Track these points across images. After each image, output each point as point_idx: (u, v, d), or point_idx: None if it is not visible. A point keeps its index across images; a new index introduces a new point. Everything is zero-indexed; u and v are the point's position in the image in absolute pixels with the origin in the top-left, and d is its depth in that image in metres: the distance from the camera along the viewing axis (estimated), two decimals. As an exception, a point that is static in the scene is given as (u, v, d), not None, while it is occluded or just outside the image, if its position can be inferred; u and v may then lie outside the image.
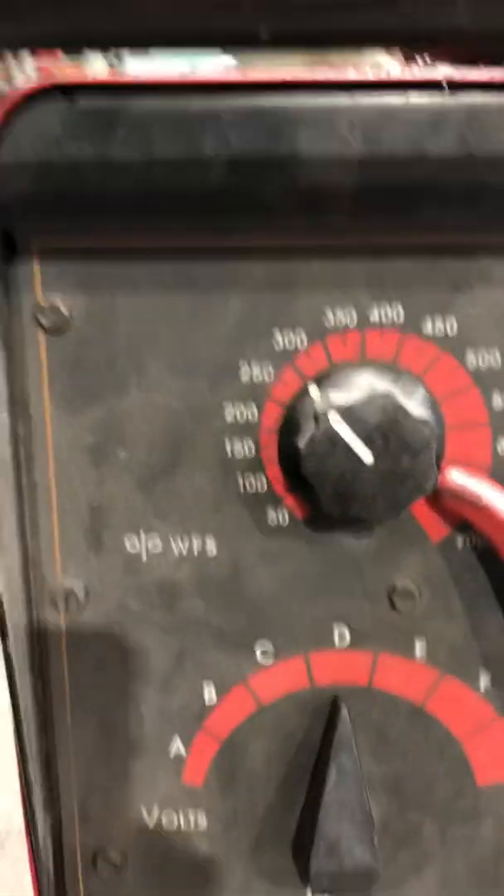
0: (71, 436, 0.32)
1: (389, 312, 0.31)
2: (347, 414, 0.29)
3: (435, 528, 0.33)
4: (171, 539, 0.33)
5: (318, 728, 0.35)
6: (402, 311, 0.31)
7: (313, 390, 0.30)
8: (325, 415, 0.29)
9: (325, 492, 0.29)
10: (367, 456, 0.29)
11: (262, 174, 0.29)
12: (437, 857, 0.36)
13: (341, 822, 0.33)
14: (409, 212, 0.29)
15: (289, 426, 0.31)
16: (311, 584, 0.33)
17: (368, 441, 0.29)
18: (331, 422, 0.29)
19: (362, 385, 0.29)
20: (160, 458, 0.32)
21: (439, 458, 0.31)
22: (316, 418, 0.29)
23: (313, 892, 0.34)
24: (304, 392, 0.31)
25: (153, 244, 0.30)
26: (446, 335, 0.31)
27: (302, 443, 0.30)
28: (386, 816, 0.35)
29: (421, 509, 0.32)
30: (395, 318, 0.31)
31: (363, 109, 0.28)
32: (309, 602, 0.34)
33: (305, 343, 0.31)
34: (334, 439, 0.29)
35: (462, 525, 0.32)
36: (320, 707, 0.34)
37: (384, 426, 0.29)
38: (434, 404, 0.31)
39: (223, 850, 0.36)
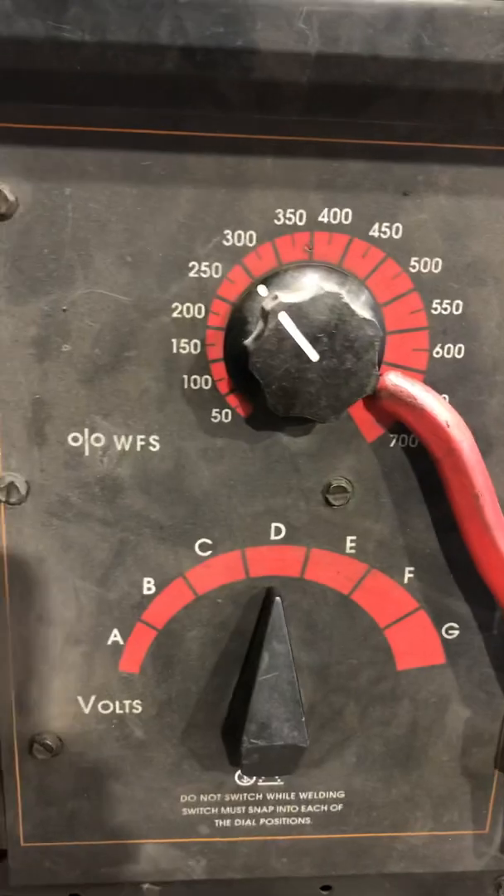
0: (13, 327, 0.32)
1: (338, 215, 0.31)
2: (295, 312, 0.29)
3: (370, 428, 0.34)
4: (115, 434, 0.33)
5: (252, 617, 0.36)
6: (350, 214, 0.31)
7: (262, 289, 0.31)
8: (274, 313, 0.29)
9: (271, 389, 0.30)
10: (312, 354, 0.29)
11: (217, 64, 0.28)
12: (357, 737, 0.39)
13: (272, 703, 0.35)
14: (361, 112, 0.30)
15: (236, 324, 0.31)
16: (251, 481, 0.34)
17: (314, 340, 0.30)
18: (279, 320, 0.29)
19: (310, 285, 0.30)
20: (105, 354, 0.32)
21: (380, 360, 0.32)
22: (264, 316, 0.30)
23: (244, 771, 0.37)
24: (253, 291, 0.31)
25: (103, 130, 0.30)
26: (391, 240, 0.32)
27: (250, 340, 0.30)
28: (312, 700, 0.38)
29: (358, 410, 0.34)
30: (344, 221, 0.31)
31: (322, 3, 0.28)
32: (247, 499, 0.35)
33: (255, 242, 0.31)
34: (282, 337, 0.29)
35: (395, 426, 0.34)
36: (255, 597, 0.36)
37: (330, 326, 0.29)
38: (376, 307, 0.32)
39: (156, 735, 0.38)
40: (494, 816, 0.41)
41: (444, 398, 0.34)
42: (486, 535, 0.33)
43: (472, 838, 0.42)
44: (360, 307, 0.30)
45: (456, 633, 0.37)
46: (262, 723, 0.35)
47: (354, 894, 0.43)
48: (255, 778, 0.39)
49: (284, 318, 0.29)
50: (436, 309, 0.33)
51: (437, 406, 0.32)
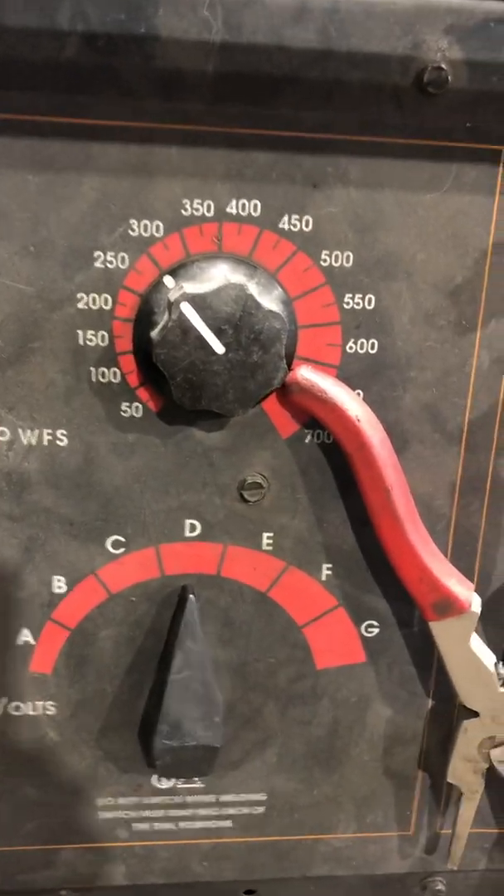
0: None
1: (247, 206, 0.31)
2: (200, 303, 0.29)
3: (285, 423, 0.34)
4: (20, 428, 0.32)
5: (167, 615, 0.36)
6: (259, 206, 0.31)
7: (168, 280, 0.30)
8: (178, 304, 0.29)
9: (177, 381, 0.30)
10: (217, 346, 0.29)
11: (119, 51, 0.28)
12: (278, 737, 0.38)
13: (185, 703, 0.34)
14: (268, 102, 0.29)
15: (144, 316, 0.31)
16: (164, 477, 0.34)
17: (219, 332, 0.29)
18: (183, 311, 0.29)
19: (217, 276, 0.29)
20: (8, 346, 0.31)
21: (290, 354, 0.31)
22: (169, 307, 0.29)
23: (158, 772, 0.36)
24: (160, 282, 0.31)
25: (5, 116, 0.29)
26: (302, 233, 0.31)
27: (155, 332, 0.30)
28: (231, 698, 0.37)
29: (272, 405, 0.33)
30: (253, 213, 0.31)
31: (226, -10, 0.28)
32: (161, 495, 0.34)
33: (162, 233, 0.31)
34: (186, 328, 0.29)
35: (310, 422, 0.34)
36: (169, 596, 0.35)
37: (236, 318, 0.29)
38: (287, 301, 0.31)
39: (71, 736, 0.37)
40: (419, 817, 0.41)
41: (359, 394, 0.33)
42: (397, 530, 0.33)
43: (397, 840, 0.41)
44: (267, 299, 0.29)
45: (376, 630, 0.37)
46: (174, 723, 0.34)
47: (279, 897, 0.43)
48: (173, 780, 0.38)
49: (187, 309, 0.29)
50: (348, 303, 0.32)
51: (348, 400, 0.31)
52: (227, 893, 0.42)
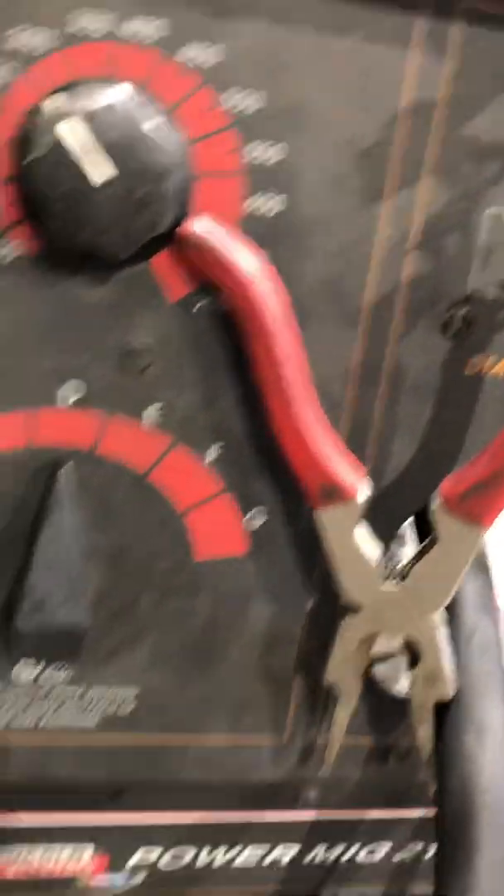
0: None
1: (147, 27, 0.28)
2: (76, 124, 0.26)
3: (174, 285, 0.31)
4: None
5: (37, 491, 0.33)
6: (160, 27, 0.28)
7: (48, 100, 0.27)
8: (56, 125, 0.26)
9: (52, 210, 0.26)
10: (96, 174, 0.26)
11: None
12: (152, 630, 0.36)
13: (50, 580, 0.32)
14: None
15: (21, 139, 0.27)
16: (38, 332, 0.31)
17: (100, 160, 0.26)
18: (61, 133, 0.26)
19: (101, 99, 0.26)
20: None
21: (184, 202, 0.29)
22: (44, 126, 0.26)
23: (21, 654, 0.33)
24: (39, 107, 0.27)
25: None
26: (206, 65, 0.28)
27: (29, 157, 0.26)
28: (103, 587, 0.35)
29: (160, 263, 0.30)
30: (153, 34, 0.28)
31: None
32: (34, 353, 0.31)
33: (46, 48, 0.27)
34: (61, 152, 0.26)
35: (203, 287, 0.31)
36: (39, 469, 0.33)
37: (121, 144, 0.26)
38: (183, 139, 0.28)
39: None
40: (295, 724, 0.40)
41: (259, 259, 0.31)
42: (286, 408, 0.31)
43: (271, 747, 0.40)
44: (158, 130, 0.26)
45: (261, 521, 0.35)
46: (38, 599, 0.32)
47: (147, 801, 0.41)
48: (37, 671, 0.36)
49: (65, 130, 0.26)
50: (253, 153, 0.30)
51: (244, 259, 0.29)
52: (93, 793, 0.40)
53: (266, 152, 0.30)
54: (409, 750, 0.41)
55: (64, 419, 0.32)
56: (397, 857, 0.49)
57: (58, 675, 0.36)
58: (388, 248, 0.32)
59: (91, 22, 0.27)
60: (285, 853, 0.47)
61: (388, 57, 0.29)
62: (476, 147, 0.31)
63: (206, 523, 0.35)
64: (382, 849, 0.48)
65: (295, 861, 0.47)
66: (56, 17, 0.27)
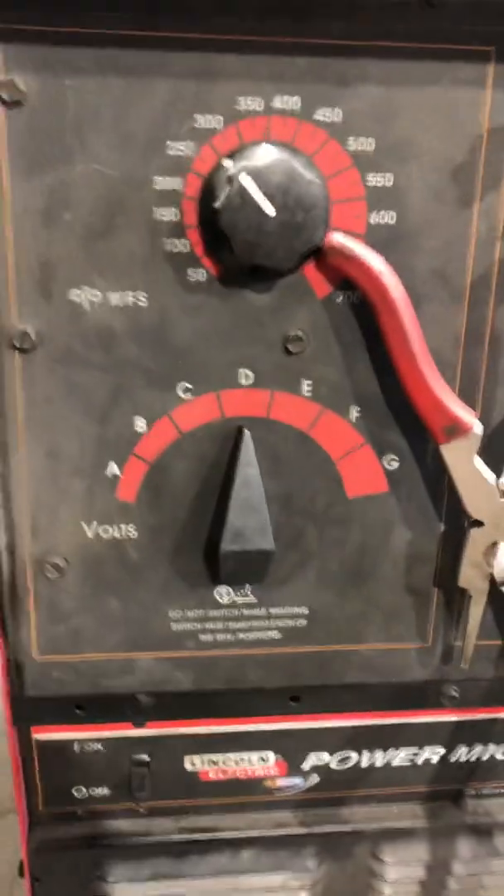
0: (24, 199, 0.38)
1: (289, 101, 0.38)
2: (255, 175, 0.36)
3: (321, 286, 0.41)
4: (108, 292, 0.40)
5: (227, 452, 0.43)
6: (299, 101, 0.38)
7: (227, 162, 0.38)
8: (237, 176, 0.36)
9: (237, 241, 0.37)
10: (269, 209, 0.37)
11: (187, -24, 0.35)
12: (316, 557, 0.46)
13: (245, 516, 0.42)
14: (304, 16, 0.37)
15: (207, 193, 0.38)
16: (222, 333, 0.42)
17: (271, 198, 0.37)
18: (241, 181, 0.36)
19: (266, 155, 0.37)
20: (99, 222, 0.39)
21: (326, 220, 0.39)
22: (230, 180, 0.37)
23: (222, 578, 0.44)
24: (220, 165, 0.38)
25: (96, 31, 0.36)
26: (333, 123, 0.39)
27: (218, 202, 0.37)
28: (278, 523, 0.45)
29: (310, 270, 0.41)
30: (294, 107, 0.38)
31: None
32: (220, 349, 0.42)
33: (221, 125, 0.38)
34: (244, 196, 0.37)
35: (342, 284, 0.41)
36: (229, 434, 0.43)
37: (283, 186, 0.37)
38: (322, 178, 0.39)
39: (148, 556, 0.45)
40: (435, 630, 0.49)
41: (382, 259, 0.41)
42: (414, 367, 0.40)
43: (417, 651, 0.49)
44: (307, 171, 0.37)
45: (396, 464, 0.45)
46: (236, 531, 0.42)
47: (319, 704, 0.51)
48: (232, 594, 0.46)
49: (246, 180, 0.36)
50: (370, 182, 0.40)
51: (373, 258, 0.39)
52: (276, 700, 0.50)
53: (380, 180, 0.40)
54: (532, 648, 0.49)
55: (243, 395, 0.43)
56: (530, 756, 0.57)
57: (247, 598, 0.47)
58: (482, 240, 0.41)
59: (249, 103, 0.38)
60: (433, 754, 0.56)
61: (468, 96, 0.39)
62: (541, 156, 0.41)
63: (354, 468, 0.45)
64: (516, 749, 0.56)
65: (442, 761, 0.56)
66: (227, 102, 0.38)
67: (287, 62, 0.38)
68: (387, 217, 0.40)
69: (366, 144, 0.39)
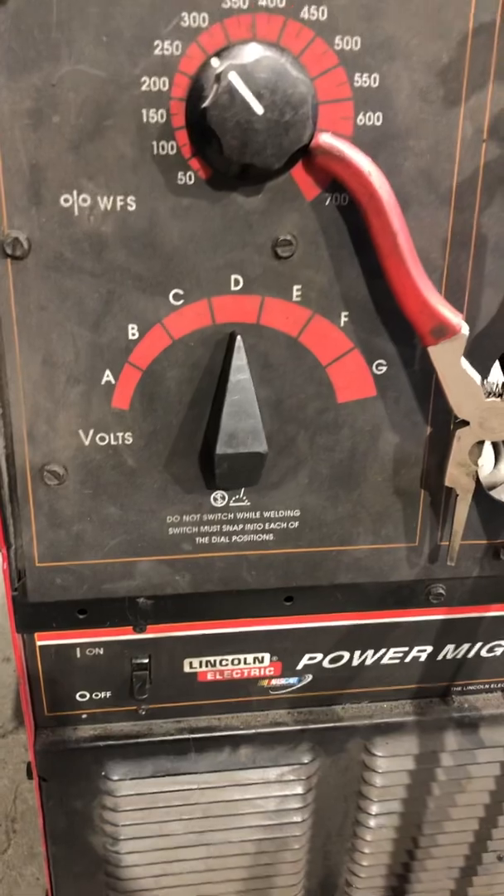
0: (11, 101, 0.38)
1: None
2: (242, 72, 0.36)
3: (309, 188, 0.42)
4: (98, 196, 0.40)
5: (219, 359, 0.44)
6: (285, -2, 0.38)
7: (214, 60, 0.38)
8: (225, 73, 0.37)
9: (226, 139, 0.37)
10: (258, 107, 0.37)
11: None
12: (307, 461, 0.48)
13: (238, 420, 0.43)
14: None
15: (195, 92, 0.38)
16: (212, 238, 0.42)
17: (259, 96, 0.37)
18: (229, 79, 0.36)
19: (253, 53, 0.37)
20: (87, 124, 0.39)
21: (314, 119, 0.39)
22: (217, 78, 0.37)
23: (217, 481, 0.45)
24: (207, 63, 0.38)
25: None
26: (319, 21, 0.39)
27: (207, 100, 0.37)
28: (270, 429, 0.46)
29: (298, 172, 0.41)
30: (279, 4, 0.38)
31: None
32: (210, 253, 0.42)
33: (207, 23, 0.38)
34: (232, 93, 0.37)
35: (330, 185, 0.42)
36: (220, 340, 0.44)
37: (271, 83, 0.37)
38: (309, 77, 0.39)
39: (144, 462, 0.46)
40: (423, 530, 0.51)
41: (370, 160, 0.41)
42: (403, 268, 0.41)
43: (406, 550, 0.51)
44: (294, 68, 0.37)
45: (384, 368, 0.46)
46: (230, 434, 0.43)
47: (312, 604, 0.53)
48: (226, 498, 0.48)
49: (234, 77, 0.36)
50: (357, 82, 0.40)
51: (361, 158, 0.39)
52: (271, 600, 0.52)
53: (367, 80, 0.40)
54: (516, 546, 0.52)
55: (234, 301, 0.43)
56: (513, 654, 0.59)
57: (242, 502, 0.48)
58: (468, 142, 0.42)
59: (235, 1, 0.38)
60: (421, 652, 0.58)
61: (454, -7, 0.39)
62: (527, 53, 0.41)
63: (343, 373, 0.46)
64: (500, 647, 0.59)
65: (430, 658, 0.59)
66: (212, 0, 0.38)
67: (273, -44, 0.37)
68: (374, 118, 0.41)
69: (352, 43, 0.39)
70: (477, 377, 0.44)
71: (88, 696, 0.56)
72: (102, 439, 0.45)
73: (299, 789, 0.60)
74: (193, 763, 0.59)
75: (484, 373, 0.46)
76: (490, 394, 0.44)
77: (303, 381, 0.46)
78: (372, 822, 0.64)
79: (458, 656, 0.59)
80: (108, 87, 0.38)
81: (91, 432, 0.45)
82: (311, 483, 0.48)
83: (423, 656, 0.58)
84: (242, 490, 0.48)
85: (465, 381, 0.44)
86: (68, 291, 0.42)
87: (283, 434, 0.47)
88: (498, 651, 0.59)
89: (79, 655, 0.54)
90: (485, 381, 0.45)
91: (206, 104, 0.37)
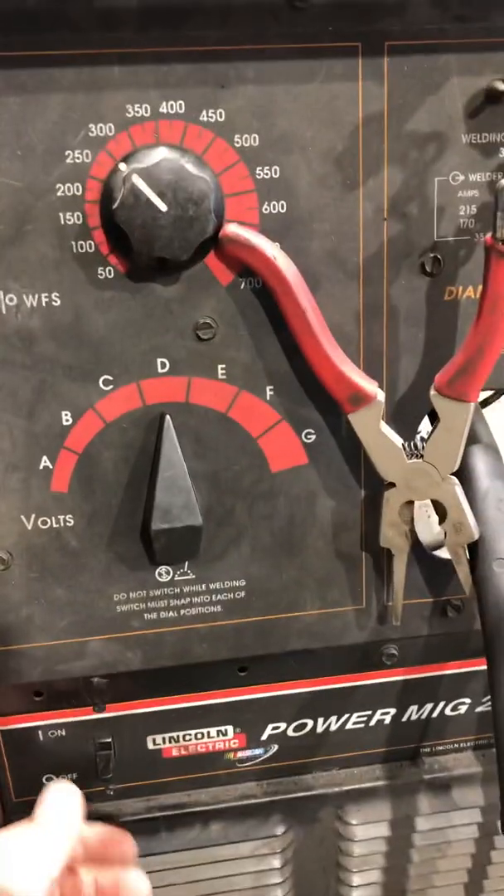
0: None
1: (174, 106, 0.41)
2: (145, 175, 0.39)
3: (223, 274, 0.44)
4: (24, 294, 0.43)
5: (153, 438, 0.46)
6: (183, 105, 0.41)
7: (122, 165, 0.41)
8: (130, 177, 0.39)
9: (135, 236, 0.40)
10: (161, 205, 0.40)
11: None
12: (248, 531, 0.49)
13: (172, 495, 0.45)
14: (181, 26, 0.40)
15: (106, 195, 0.41)
16: (136, 325, 0.44)
17: (161, 195, 0.40)
18: (133, 181, 0.39)
19: (156, 156, 0.40)
20: (9, 229, 0.42)
21: (220, 215, 0.42)
22: (124, 181, 0.40)
23: (157, 557, 0.46)
24: (116, 168, 0.41)
25: (-13, 54, 0.40)
26: (217, 123, 0.42)
27: (115, 202, 0.40)
28: (208, 502, 0.48)
29: (212, 260, 0.44)
30: (179, 110, 0.41)
31: None
32: (135, 340, 0.45)
33: (114, 132, 0.41)
34: (137, 194, 0.40)
35: (243, 271, 0.44)
36: (152, 421, 0.46)
37: (172, 183, 0.40)
38: (211, 174, 0.42)
39: (87, 543, 0.48)
40: (368, 592, 0.52)
41: (277, 245, 0.44)
42: (315, 343, 0.43)
43: (353, 613, 0.52)
44: (194, 167, 0.40)
45: (314, 437, 0.48)
46: (164, 510, 0.45)
47: (267, 673, 0.53)
48: (171, 573, 0.49)
49: (137, 179, 0.39)
50: (259, 174, 0.43)
51: (265, 244, 0.42)
52: (225, 671, 0.53)
53: (268, 172, 0.43)
54: (461, 602, 0.52)
55: (162, 383, 0.46)
56: (479, 710, 0.60)
57: (187, 576, 0.49)
58: (369, 221, 0.44)
59: (138, 110, 0.41)
60: (385, 716, 0.58)
61: (344, 88, 0.42)
62: (416, 137, 0.44)
63: (274, 444, 0.48)
64: (463, 705, 0.59)
65: (394, 721, 0.59)
66: (117, 111, 0.41)
67: (168, 70, 0.41)
68: (278, 206, 0.43)
69: (251, 140, 0.42)
70: (398, 440, 0.46)
71: (55, 778, 0.56)
72: (45, 523, 0.47)
73: (276, 863, 0.60)
74: (165, 842, 0.58)
75: (409, 435, 0.48)
76: (413, 455, 0.46)
77: (236, 453, 0.47)
78: (355, 895, 0.63)
79: (423, 717, 0.59)
80: (26, 195, 0.41)
81: (33, 517, 0.47)
82: (254, 552, 0.49)
83: (388, 719, 0.59)
84: (186, 564, 0.49)
85: (387, 444, 0.45)
86: (1, 384, 0.44)
87: (221, 506, 0.48)
88: (462, 709, 0.60)
89: (41, 738, 0.55)
90: (409, 443, 0.46)
91: (115, 205, 0.40)
